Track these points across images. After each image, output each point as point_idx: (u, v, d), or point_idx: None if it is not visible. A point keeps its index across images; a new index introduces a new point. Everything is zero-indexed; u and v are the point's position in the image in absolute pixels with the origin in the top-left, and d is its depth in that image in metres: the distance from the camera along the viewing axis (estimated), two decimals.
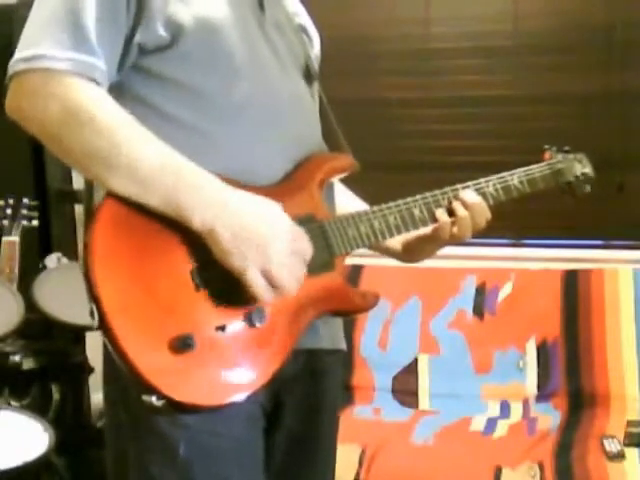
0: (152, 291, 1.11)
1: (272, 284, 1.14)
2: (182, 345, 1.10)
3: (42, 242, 3.25)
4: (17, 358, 2.64)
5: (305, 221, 1.23)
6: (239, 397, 1.14)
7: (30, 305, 2.63)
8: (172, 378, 1.10)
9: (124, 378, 1.10)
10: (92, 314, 1.09)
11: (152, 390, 1.09)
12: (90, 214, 1.14)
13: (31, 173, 3.31)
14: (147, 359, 1.08)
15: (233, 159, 1.21)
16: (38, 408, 2.58)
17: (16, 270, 2.74)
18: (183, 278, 1.13)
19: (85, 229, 1.12)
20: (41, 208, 3.00)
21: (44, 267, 2.99)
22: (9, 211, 2.85)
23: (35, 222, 2.90)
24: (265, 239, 1.13)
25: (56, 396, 2.70)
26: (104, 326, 1.08)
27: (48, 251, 3.13)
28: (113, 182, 1.12)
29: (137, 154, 1.11)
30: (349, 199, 1.49)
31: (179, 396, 1.10)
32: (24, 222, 2.86)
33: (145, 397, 1.10)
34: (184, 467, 1.18)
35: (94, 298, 1.08)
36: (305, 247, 1.18)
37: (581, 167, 1.56)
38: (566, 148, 1.56)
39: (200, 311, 1.13)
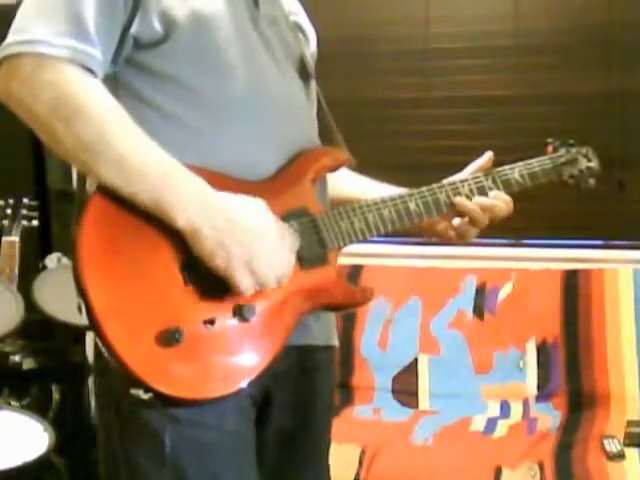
0: (140, 285, 1.12)
1: (258, 280, 1.14)
2: (170, 338, 1.10)
3: (42, 242, 3.25)
4: (17, 358, 2.64)
5: (297, 215, 1.24)
6: (227, 391, 1.15)
7: (30, 305, 2.63)
8: (159, 371, 1.10)
9: (113, 372, 1.11)
10: (79, 308, 1.10)
11: (139, 383, 1.09)
12: (80, 208, 1.14)
13: (31, 173, 3.31)
14: (135, 352, 1.09)
15: (224, 154, 1.21)
16: (38, 408, 2.57)
17: (16, 270, 2.74)
18: (171, 272, 1.14)
19: (74, 224, 1.12)
20: (41, 208, 3.00)
21: (44, 267, 2.99)
22: (9, 211, 2.85)
23: (35, 222, 2.90)
24: (249, 235, 1.13)
25: (56, 396, 2.70)
26: (91, 320, 1.09)
27: (48, 251, 3.13)
28: (100, 174, 1.12)
29: (125, 149, 1.11)
30: (374, 186, 1.46)
31: (166, 389, 1.10)
32: (24, 222, 2.86)
33: (133, 390, 1.11)
34: (172, 461, 1.17)
35: (81, 292, 1.09)
36: (290, 240, 1.18)
37: (586, 161, 1.51)
38: (570, 142, 1.52)
39: (188, 305, 1.14)
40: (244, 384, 1.16)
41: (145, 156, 1.12)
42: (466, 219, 1.39)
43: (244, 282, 1.13)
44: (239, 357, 1.16)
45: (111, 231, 1.13)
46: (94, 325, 1.09)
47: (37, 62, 1.11)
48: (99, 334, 1.09)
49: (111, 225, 1.13)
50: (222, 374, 1.15)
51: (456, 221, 1.41)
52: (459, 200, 1.37)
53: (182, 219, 1.11)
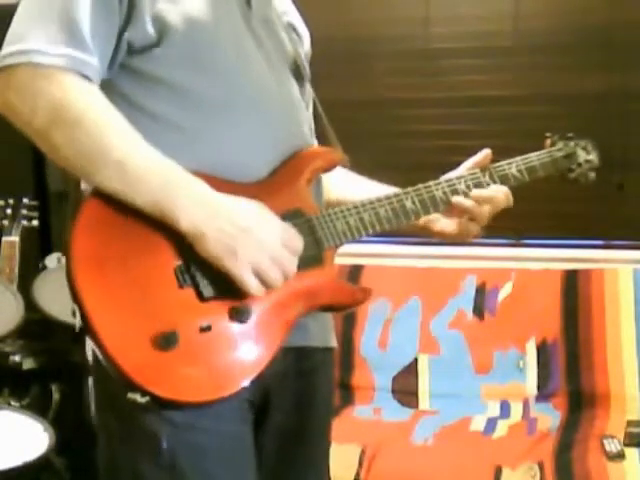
0: (135, 288, 1.12)
1: (263, 280, 1.14)
2: (165, 342, 1.10)
3: (42, 242, 3.25)
4: (17, 358, 2.64)
5: (292, 216, 1.23)
6: (224, 393, 1.14)
7: (30, 305, 2.63)
8: (156, 374, 1.10)
9: (110, 377, 1.10)
10: (74, 313, 1.10)
11: (135, 387, 1.09)
12: (74, 210, 1.14)
13: (31, 173, 3.31)
14: (130, 356, 1.09)
15: (218, 156, 1.21)
16: (38, 408, 2.57)
17: (16, 270, 2.74)
18: (167, 275, 1.13)
19: (67, 227, 1.12)
20: (41, 208, 3.00)
21: (44, 267, 2.99)
22: (9, 211, 2.85)
23: (35, 222, 2.90)
24: (255, 236, 1.14)
25: (56, 396, 2.70)
26: (87, 325, 1.09)
27: (48, 251, 3.13)
28: (100, 181, 1.12)
29: (126, 154, 1.11)
30: (370, 186, 1.46)
31: (162, 392, 1.10)
32: (24, 222, 2.86)
33: (130, 394, 1.10)
34: (171, 464, 1.18)
35: (75, 297, 1.09)
36: (296, 243, 1.18)
37: (585, 154, 1.50)
38: (569, 135, 1.51)
39: (184, 308, 1.13)
40: (242, 386, 1.16)
41: (145, 161, 1.12)
42: (466, 217, 1.39)
43: (251, 282, 1.14)
44: (236, 359, 1.16)
45: (105, 234, 1.13)
46: (89, 330, 1.09)
47: (33, 72, 1.11)
48: (94, 339, 1.09)
49: (105, 228, 1.13)
50: (219, 376, 1.15)
51: (456, 220, 1.41)
52: (456, 199, 1.36)
53: (185, 222, 1.12)
